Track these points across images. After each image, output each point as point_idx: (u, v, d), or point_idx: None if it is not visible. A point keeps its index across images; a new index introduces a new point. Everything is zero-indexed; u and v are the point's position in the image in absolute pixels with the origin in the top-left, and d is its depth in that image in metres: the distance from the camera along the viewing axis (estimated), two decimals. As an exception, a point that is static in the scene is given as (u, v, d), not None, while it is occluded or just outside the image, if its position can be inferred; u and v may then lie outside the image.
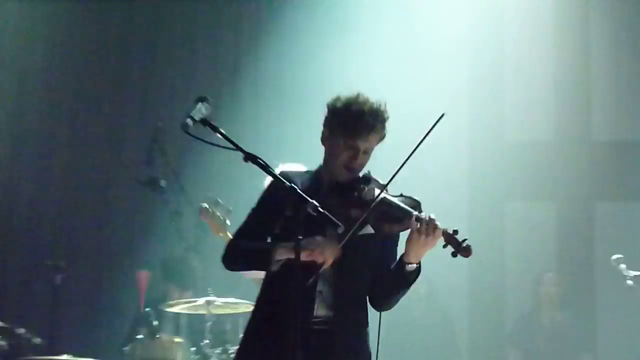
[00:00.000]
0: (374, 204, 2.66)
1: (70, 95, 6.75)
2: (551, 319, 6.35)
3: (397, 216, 2.64)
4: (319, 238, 2.55)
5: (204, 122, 2.52)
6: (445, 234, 2.59)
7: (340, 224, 2.55)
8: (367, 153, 2.72)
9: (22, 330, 5.11)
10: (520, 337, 6.39)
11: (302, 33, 6.47)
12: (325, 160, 2.84)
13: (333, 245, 2.56)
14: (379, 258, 2.79)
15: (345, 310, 2.71)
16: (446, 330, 6.52)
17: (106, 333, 5.84)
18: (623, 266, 4.60)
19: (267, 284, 2.75)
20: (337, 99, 2.79)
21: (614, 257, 4.67)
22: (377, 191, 2.73)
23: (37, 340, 5.16)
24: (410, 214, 2.60)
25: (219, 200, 4.52)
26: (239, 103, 5.86)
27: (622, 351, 5.94)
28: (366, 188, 2.76)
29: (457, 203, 6.51)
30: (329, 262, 2.54)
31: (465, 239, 2.56)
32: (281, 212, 2.67)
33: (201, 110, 2.50)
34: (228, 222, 4.43)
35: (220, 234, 4.45)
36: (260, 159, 2.55)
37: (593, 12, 7.00)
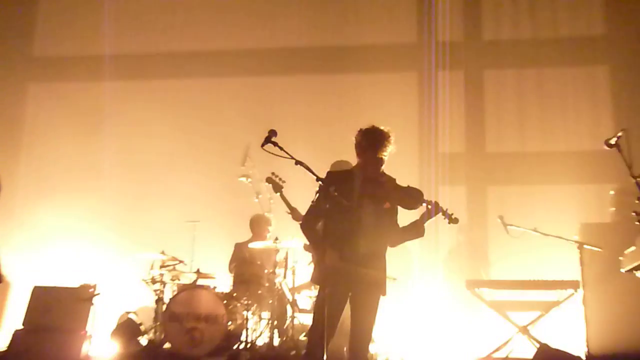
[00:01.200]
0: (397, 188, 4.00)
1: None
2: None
3: (416, 198, 4.00)
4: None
5: (273, 142, 3.73)
6: (442, 210, 3.93)
7: (346, 202, 3.78)
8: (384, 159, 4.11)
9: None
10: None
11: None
12: (360, 163, 4.19)
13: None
14: (392, 221, 4.13)
15: (375, 247, 4.08)
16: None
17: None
18: (499, 221, 6.27)
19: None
20: (364, 128, 4.18)
21: (498, 216, 6.36)
22: (391, 182, 4.06)
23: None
24: (423, 197, 3.99)
25: (276, 173, 5.98)
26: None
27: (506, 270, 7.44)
28: (385, 180, 4.09)
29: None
30: None
31: (453, 214, 3.90)
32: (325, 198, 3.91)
33: (272, 136, 3.74)
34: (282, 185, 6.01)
35: (277, 193, 6.06)
36: (303, 163, 3.78)
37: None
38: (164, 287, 6.66)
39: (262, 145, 3.69)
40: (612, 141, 4.22)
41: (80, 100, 9.63)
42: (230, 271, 6.74)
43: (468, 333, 7.83)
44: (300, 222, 4.31)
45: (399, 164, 8.34)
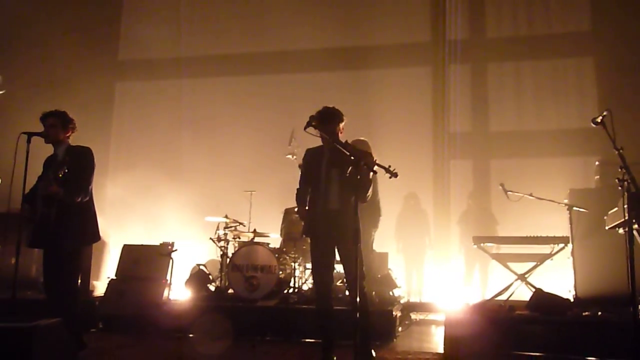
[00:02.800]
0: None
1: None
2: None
3: (363, 158, 3.72)
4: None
5: (313, 126, 3.86)
6: (383, 167, 3.69)
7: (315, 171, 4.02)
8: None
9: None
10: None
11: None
12: (323, 138, 4.03)
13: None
14: (356, 181, 3.70)
15: (342, 203, 3.99)
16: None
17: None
18: (500, 187, 6.12)
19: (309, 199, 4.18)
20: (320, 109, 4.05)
21: (500, 183, 6.21)
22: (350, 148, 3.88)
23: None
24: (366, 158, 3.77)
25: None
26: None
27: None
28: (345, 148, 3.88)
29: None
30: None
31: (395, 169, 3.64)
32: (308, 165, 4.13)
33: (312, 121, 3.85)
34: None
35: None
36: (339, 142, 3.94)
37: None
38: (227, 244, 6.73)
39: (305, 129, 3.77)
40: (598, 119, 4.11)
41: (160, 95, 9.87)
42: (281, 231, 6.80)
43: (475, 280, 7.88)
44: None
45: (415, 143, 8.60)
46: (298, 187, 4.28)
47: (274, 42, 9.65)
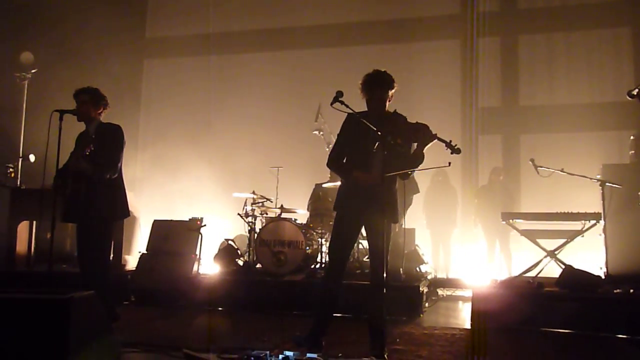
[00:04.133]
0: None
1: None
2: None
3: (423, 131, 3.59)
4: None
5: (340, 101, 3.57)
6: (445, 141, 3.51)
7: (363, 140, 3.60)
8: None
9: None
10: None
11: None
12: (369, 104, 3.77)
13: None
14: (402, 155, 3.58)
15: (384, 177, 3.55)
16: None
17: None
18: (530, 163, 6.05)
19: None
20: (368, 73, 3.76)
21: (530, 159, 6.11)
22: (401, 119, 3.68)
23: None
24: (429, 130, 3.60)
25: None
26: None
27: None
28: (394, 117, 3.70)
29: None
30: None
31: (456, 145, 3.44)
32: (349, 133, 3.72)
33: (339, 97, 3.56)
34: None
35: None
36: (366, 119, 3.62)
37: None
38: (255, 219, 6.76)
39: (332, 104, 3.56)
40: (634, 92, 3.97)
41: (188, 72, 9.94)
42: (308, 206, 6.83)
43: (497, 256, 7.79)
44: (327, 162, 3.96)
45: (443, 117, 8.48)
46: (331, 155, 3.90)
47: (302, 16, 9.58)
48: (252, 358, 2.69)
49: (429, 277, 6.56)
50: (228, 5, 9.93)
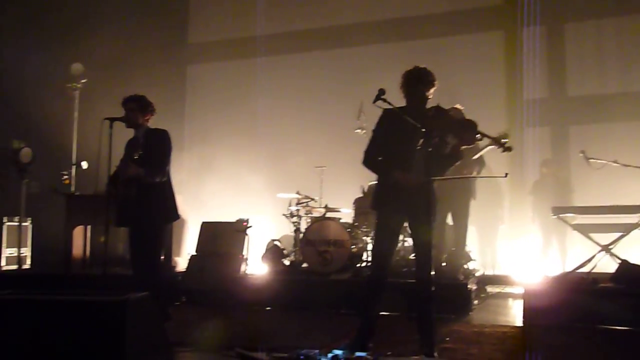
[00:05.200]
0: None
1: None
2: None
3: (471, 128, 3.51)
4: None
5: (382, 99, 3.53)
6: (493, 138, 3.55)
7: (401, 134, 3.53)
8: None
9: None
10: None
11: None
12: (407, 101, 3.74)
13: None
14: (440, 154, 3.57)
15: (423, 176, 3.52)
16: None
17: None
18: (581, 155, 5.92)
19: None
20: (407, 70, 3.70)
21: (580, 150, 6.03)
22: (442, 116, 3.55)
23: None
24: (477, 127, 3.52)
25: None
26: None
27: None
28: (433, 114, 3.61)
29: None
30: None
31: (507, 141, 3.47)
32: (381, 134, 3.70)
33: (381, 94, 3.53)
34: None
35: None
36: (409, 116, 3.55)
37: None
38: (300, 219, 6.80)
39: (374, 102, 3.52)
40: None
41: (230, 75, 10.11)
42: (354, 205, 6.82)
43: (553, 252, 7.59)
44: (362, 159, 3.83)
45: (487, 111, 8.29)
46: (367, 152, 3.79)
47: (345, 14, 9.58)
48: (302, 357, 2.73)
49: (477, 274, 6.46)
50: (274, 6, 10.03)
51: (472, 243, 7.44)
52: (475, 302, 5.80)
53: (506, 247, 8.08)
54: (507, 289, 6.93)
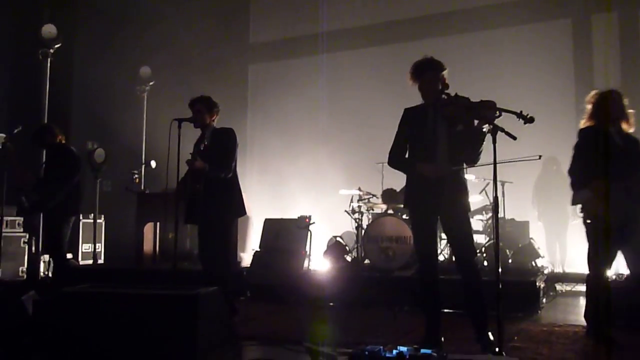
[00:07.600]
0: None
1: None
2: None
3: (490, 107, 3.35)
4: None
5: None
6: (515, 112, 3.22)
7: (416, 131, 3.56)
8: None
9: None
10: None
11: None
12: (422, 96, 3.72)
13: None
14: (466, 140, 3.49)
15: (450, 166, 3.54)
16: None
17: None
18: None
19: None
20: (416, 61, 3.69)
21: None
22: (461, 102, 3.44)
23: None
24: (496, 105, 3.36)
25: None
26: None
27: None
28: (450, 101, 3.48)
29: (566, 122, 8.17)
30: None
31: (528, 114, 3.18)
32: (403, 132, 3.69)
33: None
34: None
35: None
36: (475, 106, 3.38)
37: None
38: (361, 215, 6.80)
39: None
40: None
41: (292, 74, 10.22)
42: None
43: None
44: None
45: (555, 102, 8.00)
46: (391, 153, 3.76)
47: (405, 8, 9.58)
48: (367, 352, 2.75)
49: (546, 271, 6.28)
50: (335, 3, 10.08)
51: (541, 240, 7.22)
52: (544, 300, 5.65)
53: (577, 244, 7.77)
54: (578, 287, 6.67)
